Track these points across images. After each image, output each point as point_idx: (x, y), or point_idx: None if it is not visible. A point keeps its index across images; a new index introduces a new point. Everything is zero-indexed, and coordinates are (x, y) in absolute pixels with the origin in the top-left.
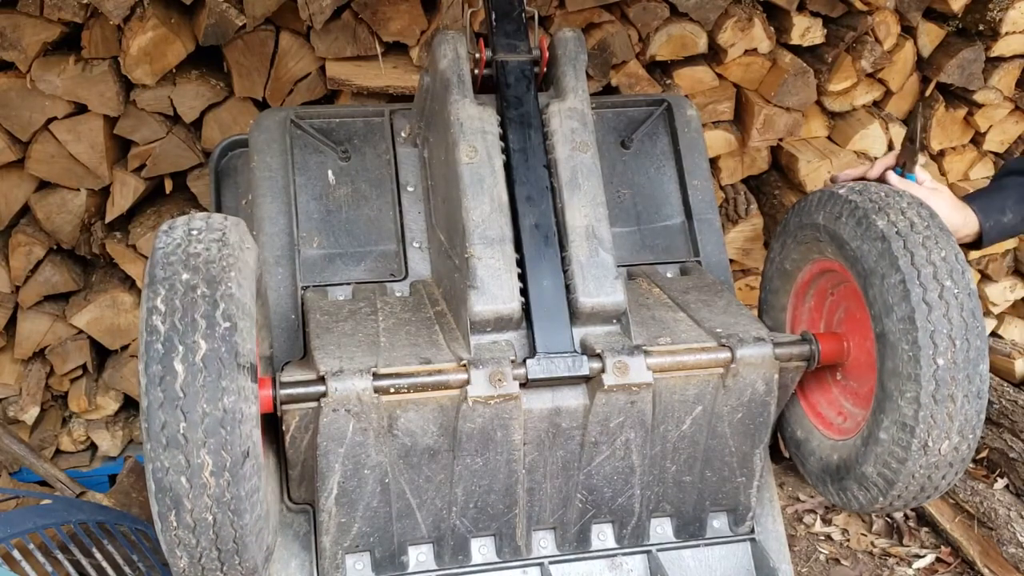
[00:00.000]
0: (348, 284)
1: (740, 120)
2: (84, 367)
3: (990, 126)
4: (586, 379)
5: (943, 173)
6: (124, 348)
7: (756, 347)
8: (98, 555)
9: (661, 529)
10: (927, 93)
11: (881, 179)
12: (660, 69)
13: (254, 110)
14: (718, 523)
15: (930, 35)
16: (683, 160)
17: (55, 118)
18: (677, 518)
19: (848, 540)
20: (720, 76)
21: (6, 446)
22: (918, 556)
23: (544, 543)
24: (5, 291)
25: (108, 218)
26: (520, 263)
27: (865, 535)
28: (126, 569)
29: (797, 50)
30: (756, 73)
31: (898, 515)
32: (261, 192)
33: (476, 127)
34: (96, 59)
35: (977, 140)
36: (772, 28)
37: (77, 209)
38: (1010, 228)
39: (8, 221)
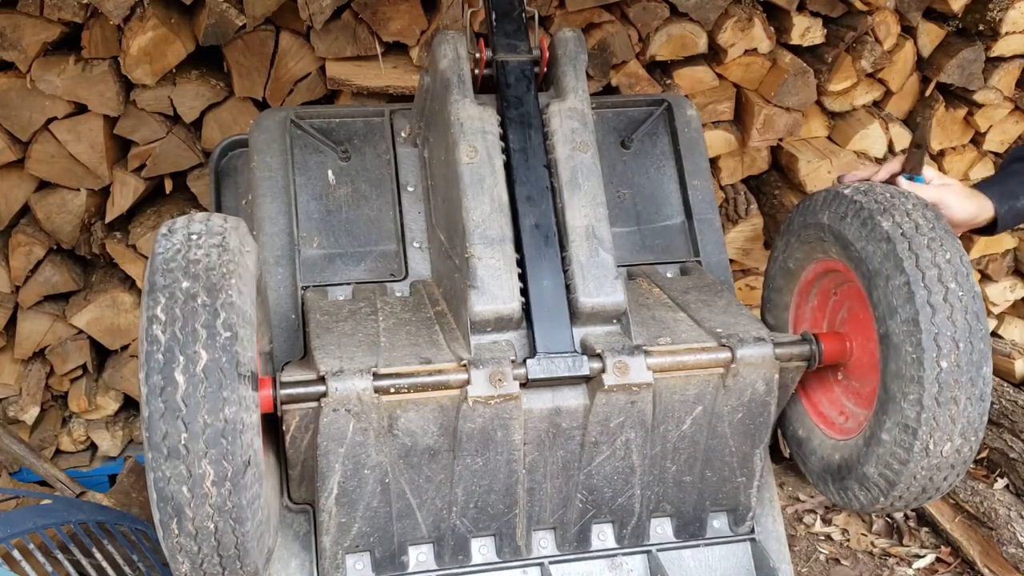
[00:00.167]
0: (348, 284)
1: (740, 120)
2: (84, 367)
3: (990, 126)
4: (586, 379)
5: (943, 173)
6: (124, 348)
7: (756, 347)
8: (98, 555)
9: (661, 529)
10: (927, 93)
11: (890, 183)
12: (660, 69)
13: (254, 110)
14: (718, 523)
15: (930, 35)
16: (683, 160)
17: (55, 118)
18: (677, 518)
19: (848, 540)
20: (720, 76)
21: (6, 446)
22: (918, 556)
23: (544, 543)
24: (5, 291)
25: (108, 218)
26: (520, 263)
27: (865, 535)
28: (126, 569)
29: (797, 50)
30: (756, 73)
31: (898, 515)
32: (261, 192)
33: (476, 127)
34: (96, 59)
35: (977, 140)
36: (772, 28)
37: (77, 209)
38: (1022, 214)
39: (8, 221)
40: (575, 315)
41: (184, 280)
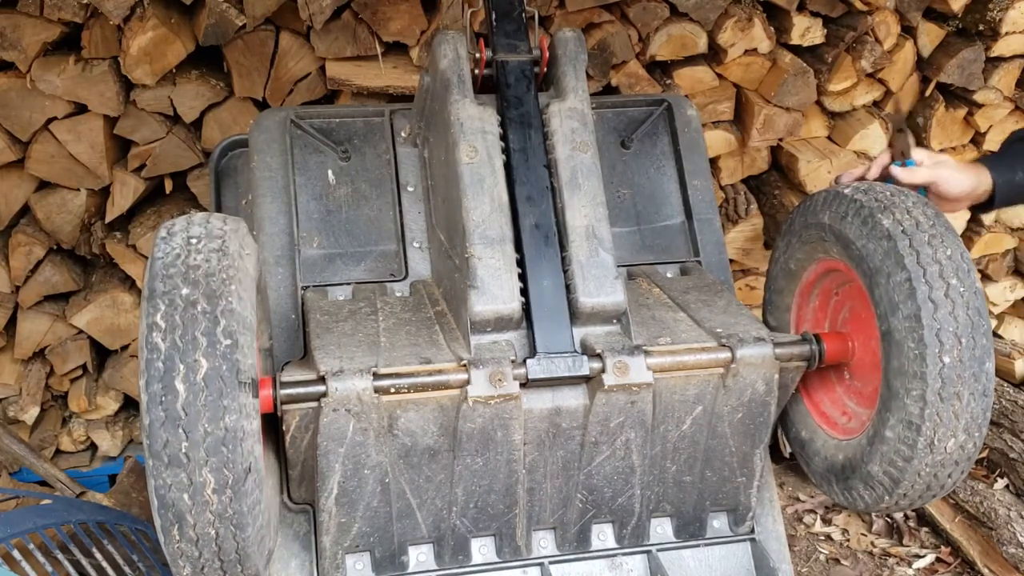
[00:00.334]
0: (348, 284)
1: (740, 120)
2: (84, 367)
3: (990, 126)
4: (586, 379)
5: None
6: (124, 348)
7: (756, 347)
8: (98, 555)
9: (661, 529)
10: (927, 93)
11: (884, 176)
12: (660, 69)
13: (254, 110)
14: (718, 523)
15: (930, 35)
16: (683, 160)
17: (55, 118)
18: (677, 518)
19: (848, 540)
20: (720, 76)
21: (6, 446)
22: (918, 556)
23: (544, 543)
24: (5, 291)
25: (108, 218)
26: (520, 263)
27: (865, 535)
28: (126, 569)
29: (797, 50)
30: (756, 73)
31: (898, 515)
32: (261, 192)
33: (476, 127)
34: (96, 59)
35: (977, 140)
36: (772, 28)
37: (77, 209)
38: (1020, 187)
39: (8, 221)
40: (575, 315)
41: (184, 287)
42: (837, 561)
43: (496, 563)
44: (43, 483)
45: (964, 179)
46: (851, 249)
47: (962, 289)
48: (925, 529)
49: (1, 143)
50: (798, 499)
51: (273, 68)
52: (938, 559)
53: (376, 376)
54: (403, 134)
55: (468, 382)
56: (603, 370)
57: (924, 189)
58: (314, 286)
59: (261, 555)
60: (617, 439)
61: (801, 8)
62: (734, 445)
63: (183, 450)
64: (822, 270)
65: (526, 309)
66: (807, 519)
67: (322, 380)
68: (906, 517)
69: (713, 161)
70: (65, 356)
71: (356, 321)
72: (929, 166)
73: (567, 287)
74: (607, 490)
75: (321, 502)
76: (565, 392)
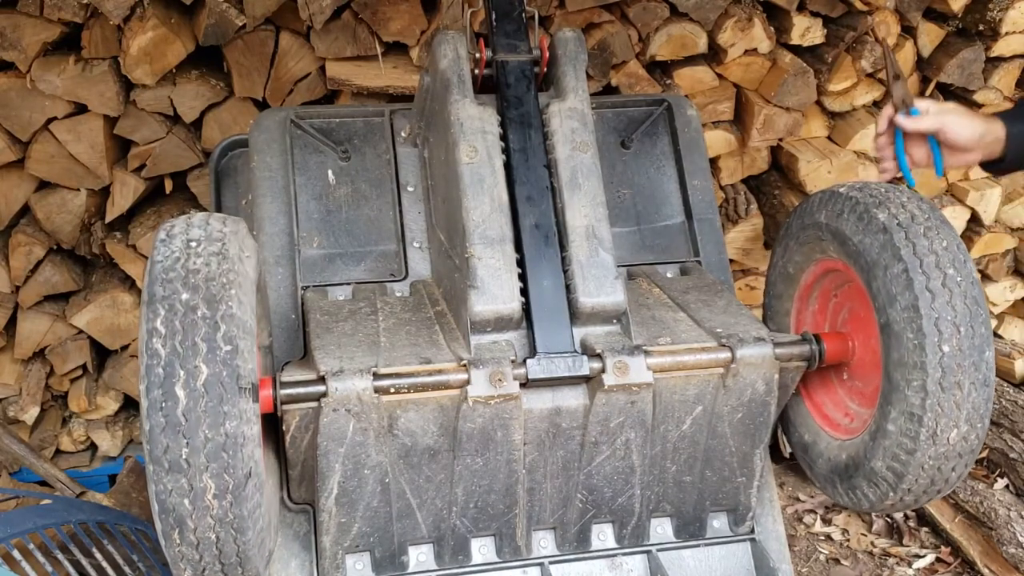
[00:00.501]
0: (348, 284)
1: (740, 120)
2: (84, 367)
3: None
4: (586, 379)
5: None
6: (124, 348)
7: (756, 347)
8: (98, 555)
9: (661, 529)
10: (927, 93)
11: (891, 128)
12: (660, 69)
13: (254, 110)
14: (718, 523)
15: (930, 35)
16: (683, 160)
17: (55, 118)
18: (677, 518)
19: (848, 540)
20: (720, 76)
21: (6, 446)
22: (918, 556)
23: (544, 543)
24: (5, 291)
25: (108, 218)
26: (520, 263)
27: (865, 535)
28: (126, 569)
29: (797, 50)
30: (756, 73)
31: (898, 515)
32: (261, 192)
33: (476, 127)
34: (96, 59)
35: None
36: (772, 28)
37: (77, 209)
38: None
39: (8, 221)
40: (575, 315)
41: (184, 291)
42: (837, 561)
43: (496, 563)
44: (43, 483)
45: (972, 124)
46: (848, 245)
47: (959, 279)
48: (925, 529)
49: (1, 143)
50: (798, 499)
51: (273, 68)
52: (938, 559)
53: (376, 376)
54: (403, 134)
55: (468, 382)
56: (603, 370)
57: (935, 139)
58: (314, 286)
59: (261, 557)
60: (617, 439)
61: (801, 8)
62: (734, 445)
63: (184, 456)
64: (820, 271)
65: (526, 309)
66: (807, 519)
67: (322, 380)
68: (906, 517)
69: (713, 161)
70: (65, 356)
71: (356, 321)
72: (935, 112)
73: (567, 287)
74: (607, 490)
75: (321, 502)
76: (565, 392)
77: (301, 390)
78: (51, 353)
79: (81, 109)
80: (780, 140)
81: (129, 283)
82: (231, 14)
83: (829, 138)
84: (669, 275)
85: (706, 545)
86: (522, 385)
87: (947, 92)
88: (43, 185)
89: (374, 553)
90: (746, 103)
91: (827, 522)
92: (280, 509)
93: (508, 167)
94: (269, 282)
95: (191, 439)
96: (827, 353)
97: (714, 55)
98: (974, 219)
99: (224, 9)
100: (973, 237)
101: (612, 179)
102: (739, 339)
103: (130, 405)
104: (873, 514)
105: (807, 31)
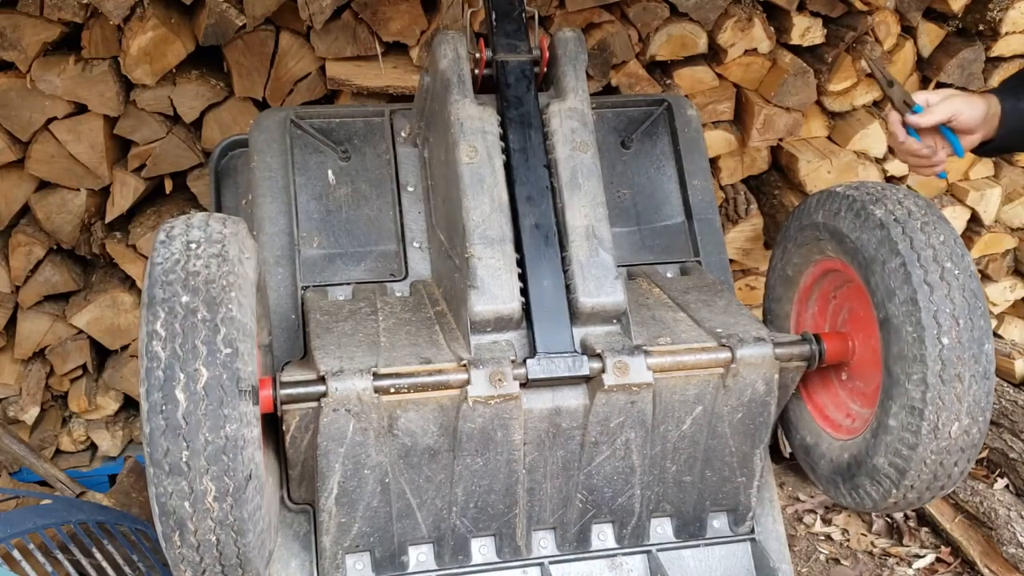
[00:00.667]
0: (348, 284)
1: (740, 120)
2: (84, 367)
3: None
4: (586, 379)
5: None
6: (124, 348)
7: (756, 347)
8: (98, 555)
9: (661, 529)
10: None
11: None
12: (660, 69)
13: (254, 110)
14: (718, 523)
15: (930, 35)
16: (683, 160)
17: (55, 118)
18: (677, 518)
19: (848, 540)
20: (720, 76)
21: (6, 446)
22: (918, 556)
23: (544, 543)
24: (5, 291)
25: (108, 218)
26: (520, 263)
27: (865, 535)
28: (126, 569)
29: (797, 50)
30: (756, 73)
31: (898, 515)
32: (261, 192)
33: (476, 127)
34: (96, 59)
35: None
36: (772, 28)
37: (77, 209)
38: None
39: (8, 221)
40: (575, 315)
41: (184, 294)
42: (837, 561)
43: (496, 563)
44: (43, 483)
45: (977, 104)
46: (846, 243)
47: (957, 272)
48: (925, 529)
49: (1, 143)
50: (798, 499)
51: (273, 68)
52: (938, 559)
53: (376, 376)
54: (403, 134)
55: (468, 382)
56: (603, 370)
57: (947, 127)
58: (314, 286)
59: (261, 558)
60: (617, 439)
61: (801, 8)
62: (734, 445)
63: (184, 459)
64: (819, 272)
65: (526, 309)
66: (807, 519)
67: (322, 380)
68: (906, 517)
69: (713, 161)
70: (65, 356)
71: (356, 321)
72: (940, 102)
73: (567, 287)
74: (607, 490)
75: (321, 502)
76: (565, 392)
77: (301, 390)
78: (51, 353)
79: (81, 109)
80: (780, 140)
81: (129, 283)
82: (231, 14)
83: (829, 138)
84: (669, 275)
85: (706, 545)
86: (522, 385)
87: None
88: (43, 185)
89: (374, 553)
90: (746, 103)
91: (827, 522)
92: (280, 509)
93: (508, 167)
94: (269, 282)
95: (191, 442)
96: (827, 353)
97: (714, 55)
98: (974, 219)
99: (224, 9)
100: (973, 237)
101: (612, 179)
102: (739, 339)
103: (130, 405)
104: (873, 514)
105: (807, 31)
